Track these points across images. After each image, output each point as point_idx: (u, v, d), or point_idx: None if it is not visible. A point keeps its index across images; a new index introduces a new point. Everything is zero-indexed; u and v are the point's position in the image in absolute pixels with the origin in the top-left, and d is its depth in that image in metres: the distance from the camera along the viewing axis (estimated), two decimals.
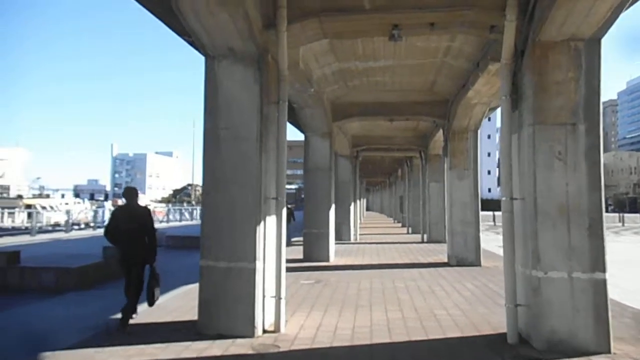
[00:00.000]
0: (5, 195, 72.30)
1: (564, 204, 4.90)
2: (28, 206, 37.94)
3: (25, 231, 23.20)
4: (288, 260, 12.32)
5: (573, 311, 4.79)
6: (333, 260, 12.00)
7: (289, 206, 17.08)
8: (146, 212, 6.03)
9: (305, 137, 12.07)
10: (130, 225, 5.70)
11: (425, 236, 18.19)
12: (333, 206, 12.37)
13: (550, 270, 4.88)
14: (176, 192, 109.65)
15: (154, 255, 5.84)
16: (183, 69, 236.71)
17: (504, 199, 5.30)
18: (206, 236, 5.48)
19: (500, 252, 14.87)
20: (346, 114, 12.11)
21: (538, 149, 4.98)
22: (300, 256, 12.03)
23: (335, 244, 14.99)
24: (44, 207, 37.31)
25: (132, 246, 5.69)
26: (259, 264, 5.35)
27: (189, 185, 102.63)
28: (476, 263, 11.20)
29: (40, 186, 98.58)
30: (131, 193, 6.03)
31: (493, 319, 6.07)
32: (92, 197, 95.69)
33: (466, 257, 11.31)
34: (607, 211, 45.28)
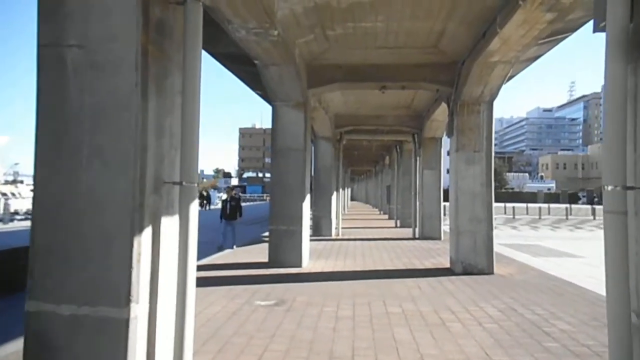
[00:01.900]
0: None
1: None
2: None
3: None
4: (247, 266, 9.68)
5: None
6: (306, 264, 9.46)
7: (233, 194, 13.40)
8: None
9: (273, 108, 9.41)
10: None
11: (417, 231, 15.80)
12: (308, 196, 9.79)
13: None
14: None
15: None
16: None
17: (609, 188, 2.78)
18: (37, 258, 2.84)
19: (509, 252, 12.68)
20: (326, 79, 9.47)
21: None
22: (265, 259, 9.47)
23: (313, 240, 12.46)
24: (4, 194, 35.70)
25: None
26: (137, 310, 2.76)
27: None
28: (487, 270, 8.81)
29: (14, 172, 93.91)
30: None
31: None
32: None
33: (475, 262, 8.89)
34: (592, 204, 43.76)
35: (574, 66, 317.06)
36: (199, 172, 3.40)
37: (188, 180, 3.06)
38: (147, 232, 2.86)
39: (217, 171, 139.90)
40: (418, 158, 16.09)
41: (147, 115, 2.85)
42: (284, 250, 9.19)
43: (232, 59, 9.99)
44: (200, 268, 9.24)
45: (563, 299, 6.71)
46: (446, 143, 17.03)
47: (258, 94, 13.02)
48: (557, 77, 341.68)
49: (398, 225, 19.99)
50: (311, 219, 15.03)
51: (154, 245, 2.93)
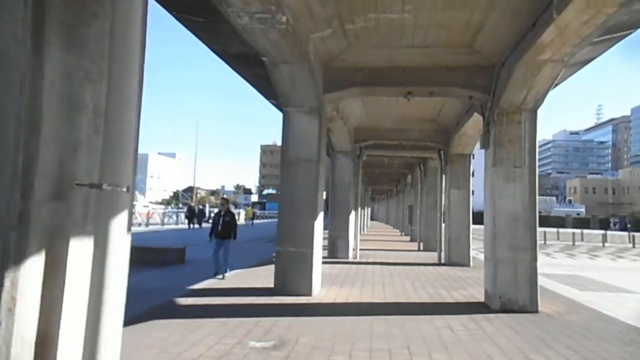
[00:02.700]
0: None
1: None
2: None
3: None
4: (249, 292, 7.93)
5: None
6: (317, 293, 8.25)
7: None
8: None
9: (284, 114, 8.37)
10: None
11: (442, 256, 14.41)
12: (321, 214, 8.64)
13: None
14: (176, 194, 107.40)
15: None
16: (187, 66, 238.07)
17: None
18: None
19: (549, 284, 11.12)
20: (344, 83, 8.39)
21: None
22: (272, 284, 8.30)
23: (328, 263, 11.29)
24: None
25: None
26: None
27: (189, 187, 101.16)
28: (531, 308, 7.44)
29: None
30: None
31: None
32: None
33: (516, 298, 7.54)
34: (626, 230, 41.08)
35: (601, 90, 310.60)
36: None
37: (112, 183, 1.96)
38: (34, 263, 1.77)
39: (237, 187, 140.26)
40: (444, 176, 14.82)
41: (43, 77, 1.79)
42: (292, 276, 8.02)
43: (242, 61, 9.06)
44: (194, 293, 8.11)
45: (636, 353, 5.33)
46: (474, 163, 15.75)
47: (272, 103, 12.08)
48: (584, 100, 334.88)
49: (421, 248, 18.58)
50: (326, 239, 13.85)
51: (50, 284, 1.84)
